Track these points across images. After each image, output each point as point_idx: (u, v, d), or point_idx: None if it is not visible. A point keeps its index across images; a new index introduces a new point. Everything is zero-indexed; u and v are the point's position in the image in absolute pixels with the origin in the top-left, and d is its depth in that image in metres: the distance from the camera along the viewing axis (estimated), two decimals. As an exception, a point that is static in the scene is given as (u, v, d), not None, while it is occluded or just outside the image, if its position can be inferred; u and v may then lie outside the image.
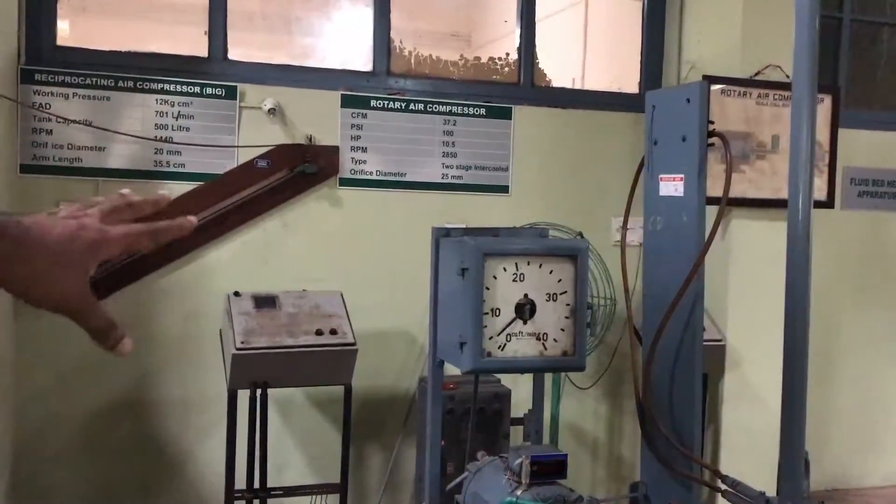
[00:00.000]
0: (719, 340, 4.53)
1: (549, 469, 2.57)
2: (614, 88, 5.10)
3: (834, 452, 5.22)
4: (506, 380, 4.05)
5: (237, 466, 3.67)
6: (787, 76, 4.29)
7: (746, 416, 4.55)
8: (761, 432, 4.19)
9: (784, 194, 2.51)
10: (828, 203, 4.80)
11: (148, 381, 4.08)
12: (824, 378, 5.13)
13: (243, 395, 3.63)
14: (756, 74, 4.55)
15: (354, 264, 4.34)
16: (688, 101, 2.64)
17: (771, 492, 2.46)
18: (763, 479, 2.69)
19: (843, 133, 4.82)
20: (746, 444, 4.47)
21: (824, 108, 4.72)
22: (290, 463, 4.27)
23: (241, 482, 3.67)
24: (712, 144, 2.65)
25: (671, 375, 2.74)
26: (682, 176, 2.65)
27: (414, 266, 3.89)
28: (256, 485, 3.68)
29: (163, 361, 4.09)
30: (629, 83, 5.04)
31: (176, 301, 4.09)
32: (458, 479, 2.97)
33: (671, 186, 2.69)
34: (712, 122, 2.64)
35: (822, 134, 4.71)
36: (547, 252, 2.68)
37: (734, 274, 4.56)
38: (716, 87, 4.41)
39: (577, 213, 4.56)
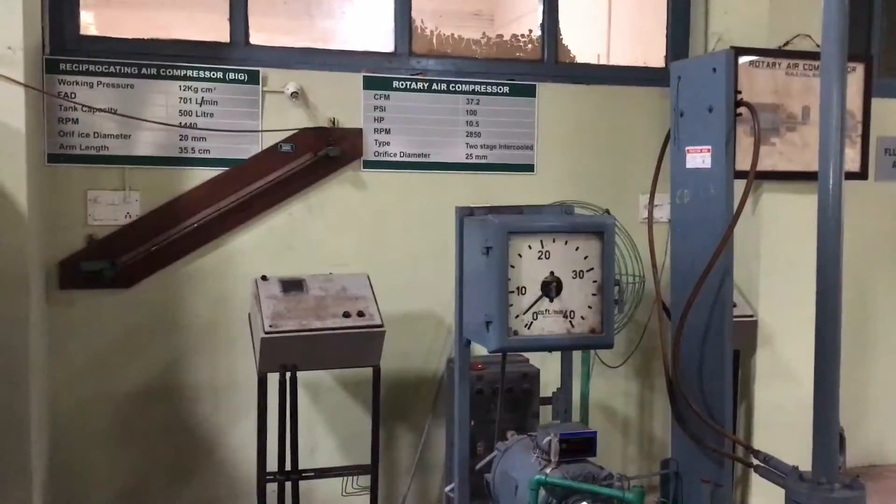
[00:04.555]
0: (751, 316, 4.46)
1: (578, 447, 2.56)
2: (640, 63, 5.01)
3: (871, 428, 5.14)
4: (535, 359, 4.03)
5: (268, 449, 3.70)
6: (817, 45, 4.19)
7: (780, 393, 4.49)
8: (795, 409, 4.13)
9: (816, 167, 2.45)
10: (861, 174, 4.70)
11: (178, 365, 4.12)
12: (861, 353, 5.04)
13: (273, 379, 3.65)
14: (785, 45, 4.45)
15: (380, 246, 4.34)
16: (714, 70, 2.59)
17: (806, 469, 2.42)
18: (798, 455, 2.64)
19: (876, 102, 4.71)
20: (781, 421, 4.41)
21: (857, 77, 4.61)
22: (320, 445, 4.29)
23: (272, 464, 3.71)
24: (740, 115, 2.60)
25: (701, 351, 2.71)
26: (709, 147, 2.60)
27: (440, 247, 3.88)
28: (288, 467, 3.71)
29: (192, 346, 4.13)
30: (655, 57, 4.95)
31: (204, 286, 4.12)
32: (486, 459, 2.97)
33: (698, 158, 2.64)
34: (739, 92, 2.59)
35: (855, 104, 4.60)
36: (572, 229, 2.65)
37: (765, 249, 4.48)
38: (744, 59, 4.32)
39: (605, 190, 4.50)
